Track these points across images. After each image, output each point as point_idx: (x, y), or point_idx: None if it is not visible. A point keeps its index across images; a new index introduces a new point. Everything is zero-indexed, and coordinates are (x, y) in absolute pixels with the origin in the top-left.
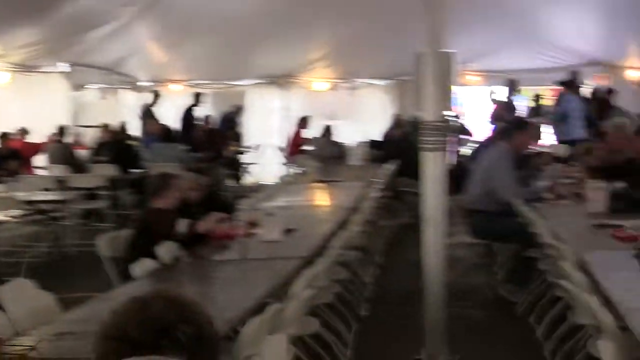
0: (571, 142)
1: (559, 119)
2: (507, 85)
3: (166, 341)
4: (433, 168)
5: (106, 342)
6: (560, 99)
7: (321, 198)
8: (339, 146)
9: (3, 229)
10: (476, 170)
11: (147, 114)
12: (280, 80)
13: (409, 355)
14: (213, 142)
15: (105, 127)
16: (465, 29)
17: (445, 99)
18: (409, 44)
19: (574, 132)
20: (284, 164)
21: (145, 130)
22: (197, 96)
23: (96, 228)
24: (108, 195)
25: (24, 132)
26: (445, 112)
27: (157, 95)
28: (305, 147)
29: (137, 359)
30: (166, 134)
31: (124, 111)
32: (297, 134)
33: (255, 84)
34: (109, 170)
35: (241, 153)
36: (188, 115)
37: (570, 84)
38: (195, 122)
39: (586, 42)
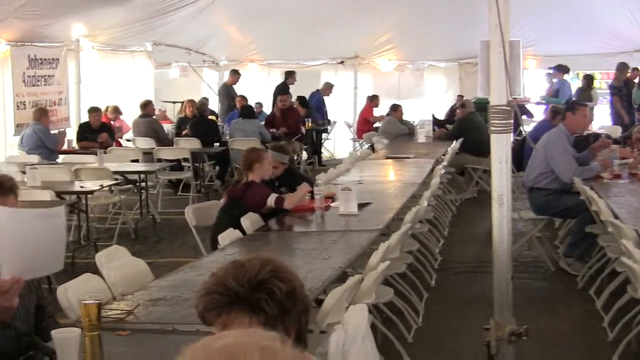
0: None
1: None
2: (560, 70)
3: (262, 294)
4: (500, 149)
5: (208, 296)
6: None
7: (391, 174)
8: (405, 124)
9: (96, 197)
10: (536, 150)
11: (226, 91)
12: (351, 60)
13: (477, 324)
14: (292, 119)
15: (187, 103)
16: (526, 14)
17: (512, 84)
18: (471, 28)
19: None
20: (354, 140)
21: (224, 107)
22: (289, 75)
23: (181, 197)
24: (191, 167)
25: (116, 110)
26: (511, 97)
27: (235, 73)
28: (374, 125)
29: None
30: (246, 111)
31: (205, 88)
32: (367, 112)
33: (327, 63)
34: (192, 143)
35: (317, 130)
36: (279, 92)
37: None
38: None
39: (637, 30)
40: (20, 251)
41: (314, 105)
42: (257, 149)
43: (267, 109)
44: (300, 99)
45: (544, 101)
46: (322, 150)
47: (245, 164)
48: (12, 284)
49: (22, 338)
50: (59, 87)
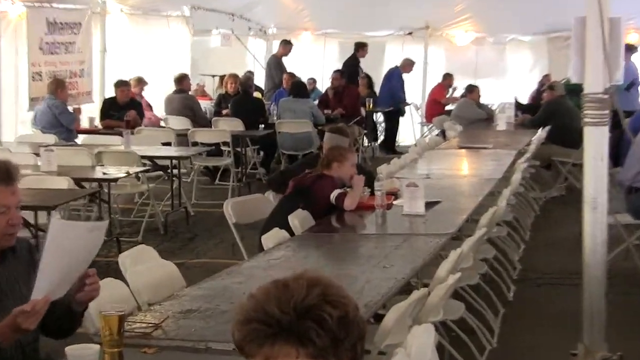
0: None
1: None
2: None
3: (311, 323)
4: (595, 144)
5: (246, 325)
6: None
7: (465, 166)
8: (483, 108)
9: (120, 186)
10: (635, 145)
11: (276, 64)
12: (420, 32)
13: (562, 347)
14: (349, 99)
15: (229, 77)
16: None
17: (612, 68)
18: None
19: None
20: (423, 125)
21: (272, 82)
22: (360, 47)
23: (219, 187)
24: (231, 153)
25: (141, 81)
26: (609, 84)
27: (287, 44)
28: (447, 108)
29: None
30: (296, 88)
31: (250, 61)
32: (438, 92)
33: (393, 35)
34: (233, 124)
35: (378, 112)
36: (351, 67)
37: None
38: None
39: None
40: (60, 268)
41: (395, 85)
42: (341, 148)
43: (322, 87)
44: (367, 77)
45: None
46: (383, 136)
47: (323, 161)
48: (43, 304)
49: (25, 347)
50: (80, 55)
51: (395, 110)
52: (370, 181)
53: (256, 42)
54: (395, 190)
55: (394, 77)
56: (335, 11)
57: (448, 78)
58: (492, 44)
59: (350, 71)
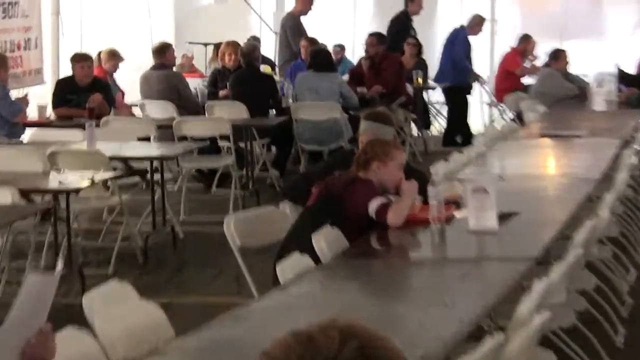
0: None
1: None
2: None
3: None
4: None
5: None
6: None
7: (551, 163)
8: (573, 80)
9: (83, 198)
10: None
11: (292, 27)
12: None
13: None
14: (389, 72)
15: (227, 46)
16: None
17: None
18: None
19: None
20: (491, 106)
21: (288, 52)
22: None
23: (216, 198)
24: (233, 149)
25: (115, 56)
26: None
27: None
28: (523, 82)
29: None
30: (319, 58)
31: (255, 23)
32: (511, 60)
33: None
34: (234, 111)
35: (431, 88)
36: (400, 27)
37: None
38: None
39: None
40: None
41: (459, 52)
42: (384, 142)
43: (354, 57)
44: (417, 42)
45: None
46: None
47: (359, 160)
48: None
49: None
50: (26, 21)
51: (460, 87)
52: (422, 186)
53: None
54: (457, 198)
55: (459, 41)
56: None
57: (525, 41)
58: None
59: (397, 34)
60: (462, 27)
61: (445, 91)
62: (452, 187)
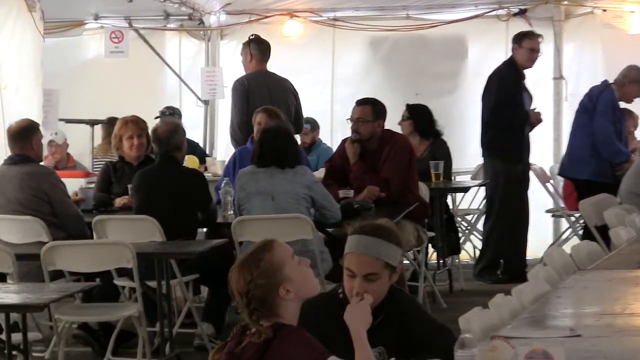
0: None
1: None
2: None
3: None
4: None
5: None
6: None
7: None
8: None
9: None
10: None
11: (240, 96)
12: (542, 9)
13: None
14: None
15: (126, 125)
16: None
17: None
18: None
19: None
20: (557, 215)
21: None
22: (521, 38)
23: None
24: (140, 292)
25: None
26: None
27: (258, 46)
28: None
29: None
30: (274, 144)
31: (173, 85)
32: None
33: (482, 18)
34: (142, 231)
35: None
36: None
37: None
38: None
39: None
40: None
41: (606, 123)
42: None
43: (332, 139)
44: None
45: None
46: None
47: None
48: None
49: None
50: None
51: (603, 182)
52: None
53: (186, 43)
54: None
55: (603, 105)
56: None
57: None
58: None
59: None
60: (606, 83)
61: (581, 187)
62: (493, 349)
